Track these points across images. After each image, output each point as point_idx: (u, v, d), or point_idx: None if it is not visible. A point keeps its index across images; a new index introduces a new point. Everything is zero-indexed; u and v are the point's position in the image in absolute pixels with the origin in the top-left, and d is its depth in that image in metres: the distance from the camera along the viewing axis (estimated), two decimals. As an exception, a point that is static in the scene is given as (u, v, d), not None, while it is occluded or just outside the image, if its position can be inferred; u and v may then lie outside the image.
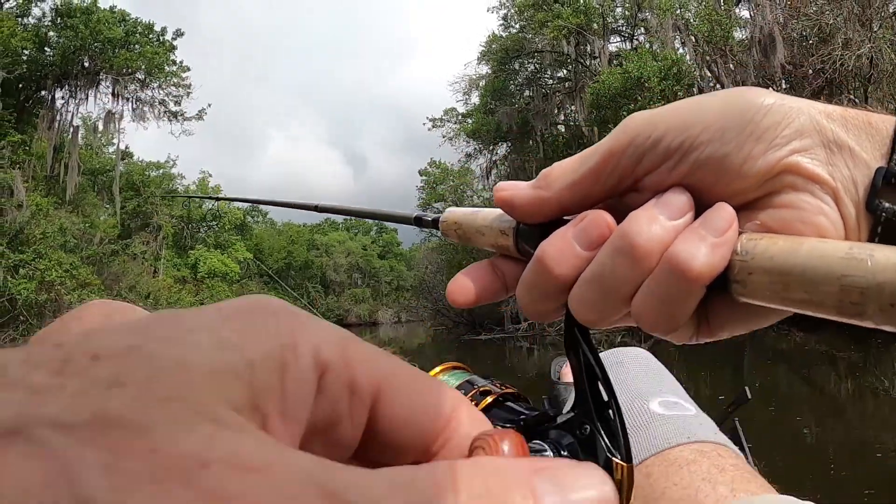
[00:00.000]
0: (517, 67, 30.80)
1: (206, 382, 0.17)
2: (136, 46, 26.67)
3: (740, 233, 0.34)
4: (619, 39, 28.76)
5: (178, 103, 30.48)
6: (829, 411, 7.76)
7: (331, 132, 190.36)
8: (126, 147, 42.56)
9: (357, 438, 0.22)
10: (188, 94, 30.73)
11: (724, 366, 11.82)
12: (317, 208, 0.81)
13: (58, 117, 26.36)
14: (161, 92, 29.48)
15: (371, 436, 0.22)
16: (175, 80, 29.55)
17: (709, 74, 22.27)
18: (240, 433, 0.17)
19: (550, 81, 30.97)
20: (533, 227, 0.41)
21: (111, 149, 40.33)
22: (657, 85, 21.43)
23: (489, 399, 0.47)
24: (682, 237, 0.34)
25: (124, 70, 26.19)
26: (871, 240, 0.34)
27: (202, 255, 43.52)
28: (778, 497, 0.58)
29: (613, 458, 0.35)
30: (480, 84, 32.34)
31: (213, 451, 0.15)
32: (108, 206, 39.34)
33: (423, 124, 34.61)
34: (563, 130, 29.98)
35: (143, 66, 26.89)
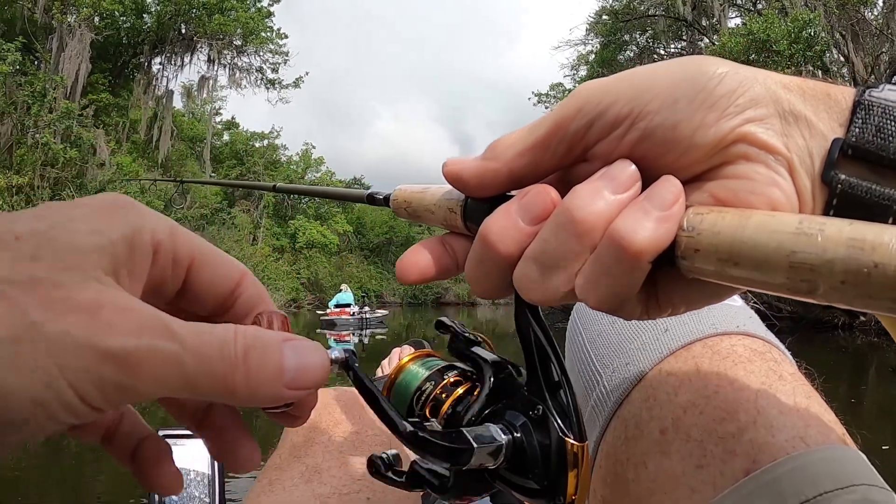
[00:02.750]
0: (627, 38, 28.25)
1: (89, 257, 0.27)
2: (232, 12, 26.59)
3: (688, 206, 0.33)
4: (738, 14, 25.51)
5: (275, 70, 30.45)
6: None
7: (439, 111, 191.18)
8: (232, 118, 43.49)
9: (174, 293, 0.34)
10: (285, 61, 30.61)
11: (839, 379, 9.55)
12: (275, 188, 0.87)
13: (154, 82, 26.84)
14: (258, 59, 29.50)
15: (184, 292, 0.34)
16: (272, 47, 29.44)
17: (841, 57, 19.01)
18: (114, 289, 0.27)
19: (664, 54, 28.16)
20: (481, 203, 0.39)
21: (217, 118, 41.34)
22: (786, 49, 18.52)
23: (462, 389, 0.45)
24: (625, 212, 0.33)
25: (218, 35, 26.18)
26: (825, 213, 0.33)
27: (302, 225, 43.93)
28: (846, 449, 0.49)
29: (567, 439, 0.36)
30: (589, 58, 30.11)
31: (102, 297, 0.26)
32: (213, 174, 40.41)
33: (529, 99, 32.90)
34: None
35: (237, 31, 26.82)
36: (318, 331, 20.25)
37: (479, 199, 0.39)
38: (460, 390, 0.44)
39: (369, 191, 0.52)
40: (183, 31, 26.47)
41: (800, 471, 0.45)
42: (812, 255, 0.27)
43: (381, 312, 26.69)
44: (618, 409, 0.58)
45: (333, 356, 0.35)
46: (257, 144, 42.89)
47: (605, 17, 28.45)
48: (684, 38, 26.96)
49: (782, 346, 0.62)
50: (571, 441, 0.36)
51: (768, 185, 0.33)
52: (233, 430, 0.36)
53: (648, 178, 0.34)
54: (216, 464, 0.77)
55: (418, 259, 0.42)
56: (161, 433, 0.69)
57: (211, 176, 34.85)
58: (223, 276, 0.34)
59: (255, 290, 0.36)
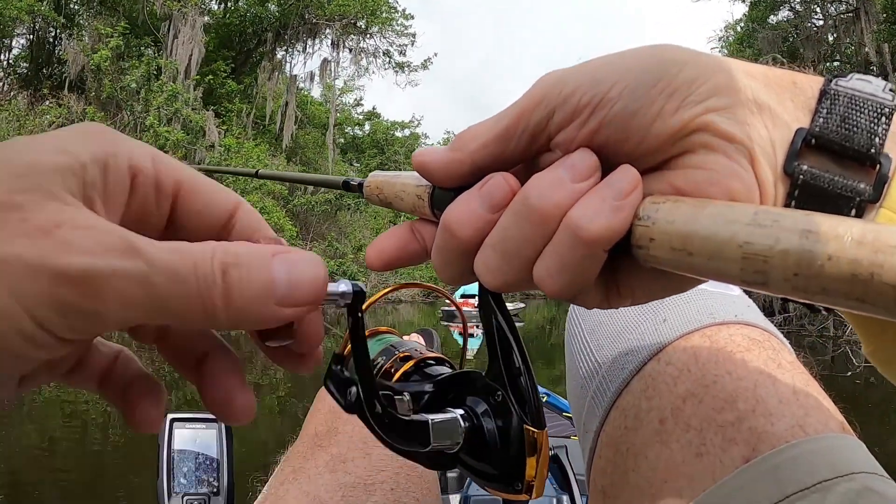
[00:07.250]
0: None
1: (52, 176, 0.25)
2: (352, -7, 26.26)
3: (646, 196, 0.33)
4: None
5: (402, 53, 29.86)
6: None
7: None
8: (373, 108, 43.87)
9: (162, 225, 0.32)
10: (412, 42, 29.92)
11: None
12: (257, 175, 0.88)
13: (277, 68, 27.23)
14: (384, 41, 29.06)
15: (173, 224, 0.32)
16: (396, 28, 28.85)
17: None
18: (77, 208, 0.25)
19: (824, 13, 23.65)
20: (448, 192, 0.40)
21: (358, 109, 41.80)
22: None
23: (410, 364, 0.50)
24: (582, 200, 0.33)
25: (337, 17, 25.97)
26: (787, 204, 0.32)
27: (445, 214, 43.40)
28: (848, 439, 0.49)
29: (525, 425, 0.37)
30: (737, 28, 26.30)
31: (61, 216, 0.25)
32: (356, 164, 40.84)
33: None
34: (839, 62, 22.68)
35: (357, 11, 26.45)
36: (443, 323, 19.28)
37: (445, 188, 0.40)
38: (408, 365, 0.48)
39: (344, 178, 0.53)
40: (305, 17, 26.61)
41: (799, 459, 0.45)
42: (765, 247, 0.27)
43: (511, 305, 25.16)
44: (617, 400, 0.58)
45: (340, 289, 0.33)
46: (398, 134, 43.03)
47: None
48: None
49: (781, 335, 0.61)
50: (531, 428, 0.36)
51: (728, 176, 0.32)
52: (229, 378, 0.33)
53: (609, 167, 0.34)
54: (225, 449, 0.80)
55: (385, 246, 0.42)
56: (171, 417, 0.78)
57: (354, 166, 34.89)
58: (215, 205, 0.33)
59: (251, 218, 0.34)
